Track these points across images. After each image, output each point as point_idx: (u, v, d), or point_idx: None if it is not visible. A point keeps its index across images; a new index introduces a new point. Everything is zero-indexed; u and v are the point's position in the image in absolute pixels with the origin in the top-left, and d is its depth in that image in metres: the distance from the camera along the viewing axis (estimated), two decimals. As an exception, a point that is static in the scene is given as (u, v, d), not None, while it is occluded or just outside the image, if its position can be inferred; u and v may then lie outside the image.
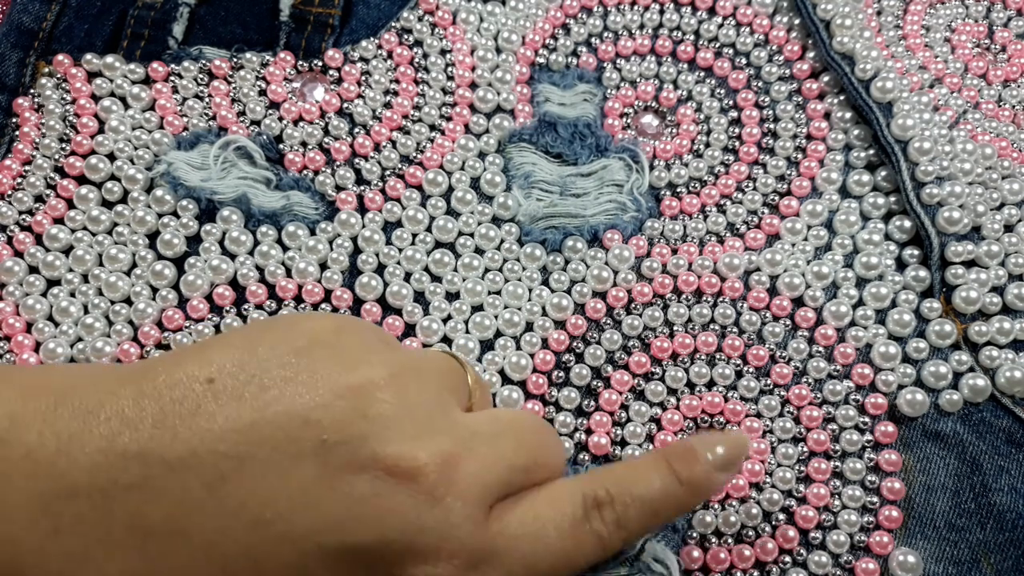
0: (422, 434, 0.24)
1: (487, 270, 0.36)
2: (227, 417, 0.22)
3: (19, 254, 0.35)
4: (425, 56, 0.39)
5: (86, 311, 0.34)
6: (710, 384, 0.34)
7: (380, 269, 0.35)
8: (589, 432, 0.33)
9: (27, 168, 0.36)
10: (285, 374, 0.23)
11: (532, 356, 0.34)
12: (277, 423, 0.23)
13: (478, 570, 0.24)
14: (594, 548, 0.26)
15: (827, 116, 0.38)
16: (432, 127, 0.38)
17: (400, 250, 0.36)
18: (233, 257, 0.35)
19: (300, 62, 0.38)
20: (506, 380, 0.34)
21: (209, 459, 0.22)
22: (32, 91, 0.37)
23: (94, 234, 0.35)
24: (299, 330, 0.25)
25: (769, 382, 0.34)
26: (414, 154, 0.37)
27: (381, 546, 0.23)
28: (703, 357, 0.34)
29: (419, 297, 0.35)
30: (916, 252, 0.35)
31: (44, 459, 0.22)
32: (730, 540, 0.32)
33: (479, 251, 0.36)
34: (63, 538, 0.22)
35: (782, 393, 0.34)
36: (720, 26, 0.40)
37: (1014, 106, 0.38)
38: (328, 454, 0.22)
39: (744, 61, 0.39)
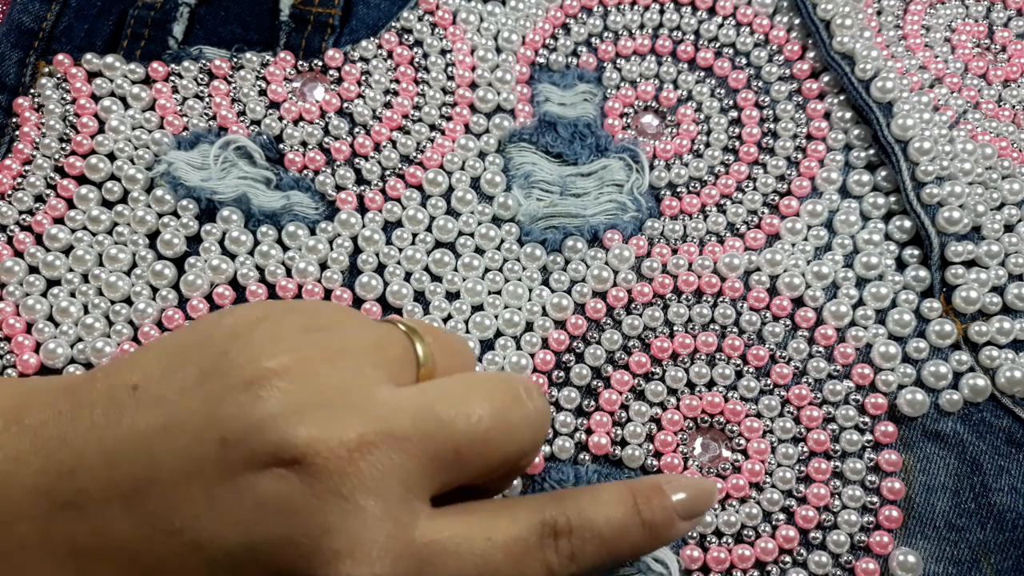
0: (328, 419, 0.21)
1: (487, 270, 0.36)
2: (144, 424, 0.22)
3: (19, 254, 0.35)
4: (425, 56, 0.39)
5: (86, 311, 0.34)
6: (710, 384, 0.34)
7: (380, 269, 0.35)
8: (589, 432, 0.33)
9: (27, 168, 0.36)
10: (198, 374, 0.22)
11: (532, 356, 0.34)
12: (183, 426, 0.21)
13: None
14: None
15: (827, 116, 0.38)
16: (432, 127, 0.38)
17: (400, 250, 0.36)
18: (233, 257, 0.35)
19: (300, 62, 0.38)
20: (506, 380, 0.34)
21: (127, 469, 0.21)
22: (32, 91, 0.37)
23: (94, 234, 0.35)
24: (222, 326, 0.24)
25: (769, 382, 0.34)
26: (414, 154, 0.37)
27: (287, 549, 0.21)
28: (703, 357, 0.34)
29: (419, 297, 0.35)
30: (916, 252, 0.35)
31: None
32: (730, 540, 0.32)
33: (479, 251, 0.36)
34: (10, 561, 0.22)
35: (782, 393, 0.34)
36: (720, 26, 0.40)
37: (1014, 106, 0.38)
38: (229, 452, 0.21)
39: (744, 61, 0.39)
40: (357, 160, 0.37)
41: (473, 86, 0.38)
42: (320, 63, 0.38)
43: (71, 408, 0.22)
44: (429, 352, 0.25)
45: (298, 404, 0.21)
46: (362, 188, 0.36)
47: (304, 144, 0.37)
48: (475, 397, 0.23)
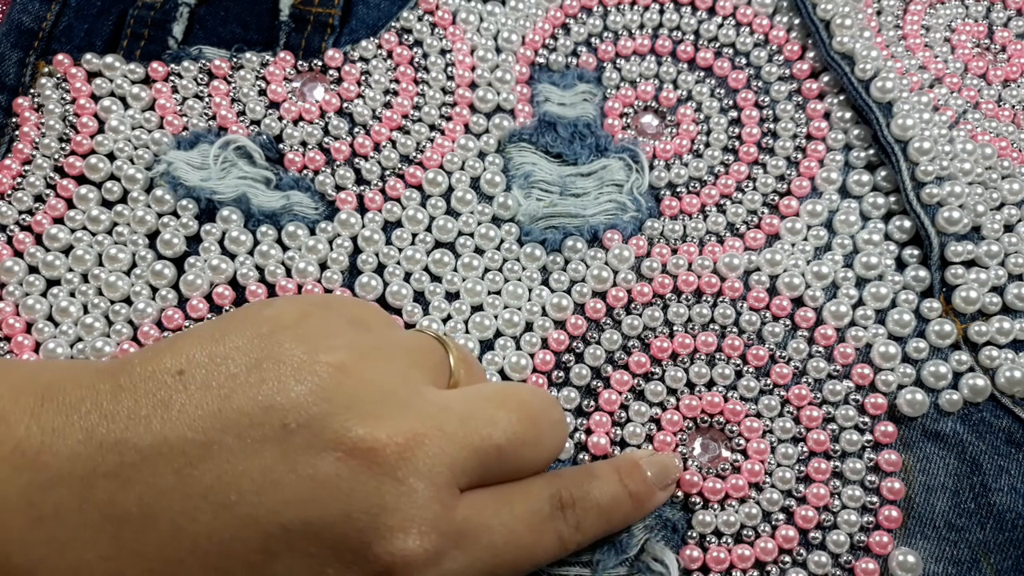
0: (384, 414, 0.24)
1: (487, 270, 0.36)
2: (196, 405, 0.23)
3: (19, 254, 0.35)
4: (425, 56, 0.39)
5: (86, 311, 0.34)
6: (710, 384, 0.34)
7: (380, 269, 0.35)
8: (589, 432, 0.33)
9: (27, 168, 0.36)
10: (249, 361, 0.24)
11: (532, 356, 0.34)
12: (241, 409, 0.23)
13: (448, 553, 0.24)
14: (554, 547, 0.27)
15: (827, 116, 0.38)
16: (432, 127, 0.38)
17: (400, 250, 0.36)
18: (233, 257, 0.35)
19: (300, 62, 0.38)
20: (506, 380, 0.34)
21: (178, 446, 0.23)
22: (32, 91, 0.37)
23: (94, 234, 0.35)
24: (263, 317, 0.25)
25: (769, 382, 0.34)
26: (414, 154, 0.37)
27: (344, 524, 0.23)
28: (703, 357, 0.34)
29: (419, 297, 0.35)
30: (916, 252, 0.35)
31: (30, 452, 0.23)
32: (729, 540, 0.32)
33: (479, 251, 0.36)
34: (45, 526, 0.22)
35: (782, 393, 0.34)
36: (720, 26, 0.40)
37: (1014, 106, 0.38)
38: (290, 437, 0.23)
39: (744, 61, 0.39)
40: (357, 160, 0.37)
41: (473, 86, 0.38)
42: (320, 63, 0.38)
43: (111, 389, 0.24)
44: (458, 363, 0.28)
45: (356, 398, 0.24)
46: (362, 188, 0.36)
47: (304, 144, 0.37)
48: (512, 403, 0.26)
